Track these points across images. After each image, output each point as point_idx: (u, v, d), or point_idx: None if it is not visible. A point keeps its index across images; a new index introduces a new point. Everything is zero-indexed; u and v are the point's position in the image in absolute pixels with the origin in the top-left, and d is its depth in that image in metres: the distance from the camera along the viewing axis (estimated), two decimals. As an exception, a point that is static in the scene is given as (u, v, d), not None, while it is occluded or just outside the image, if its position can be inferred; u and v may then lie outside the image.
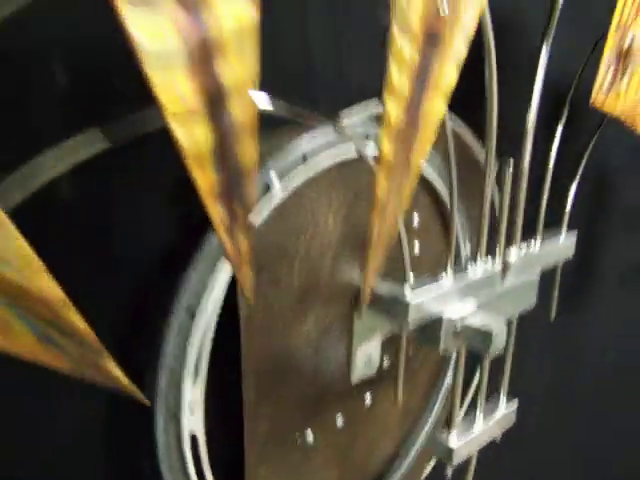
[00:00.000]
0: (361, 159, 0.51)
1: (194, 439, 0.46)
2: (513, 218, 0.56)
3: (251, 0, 0.29)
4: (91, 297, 0.33)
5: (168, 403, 0.44)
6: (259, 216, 0.45)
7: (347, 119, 0.50)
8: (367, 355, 0.58)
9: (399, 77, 0.37)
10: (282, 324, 0.50)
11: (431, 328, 0.52)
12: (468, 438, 0.58)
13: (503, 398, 0.63)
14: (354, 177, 0.52)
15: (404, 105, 0.38)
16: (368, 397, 0.60)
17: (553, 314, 0.68)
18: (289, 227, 0.49)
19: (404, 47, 0.37)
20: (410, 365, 0.63)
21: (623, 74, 0.59)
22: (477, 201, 0.55)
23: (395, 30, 0.36)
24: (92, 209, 0.42)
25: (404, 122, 0.39)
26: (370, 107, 0.51)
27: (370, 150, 0.50)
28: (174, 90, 0.28)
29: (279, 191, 0.46)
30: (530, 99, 0.56)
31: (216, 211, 0.31)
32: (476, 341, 0.51)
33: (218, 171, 0.31)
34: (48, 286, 0.26)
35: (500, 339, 0.51)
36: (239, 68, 0.30)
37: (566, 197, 0.65)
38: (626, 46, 0.58)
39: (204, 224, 0.43)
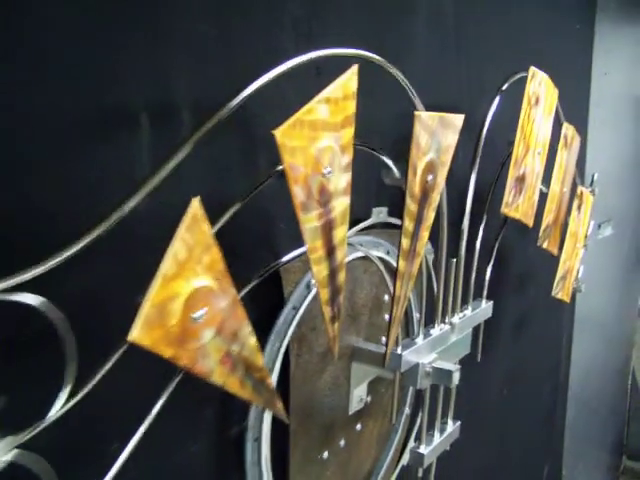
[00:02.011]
0: (352, 262, 0.76)
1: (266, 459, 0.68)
2: (456, 293, 0.83)
3: (348, 195, 0.54)
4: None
5: (255, 434, 0.66)
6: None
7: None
8: (360, 394, 0.82)
9: (409, 223, 0.63)
10: (312, 377, 0.74)
11: (411, 372, 0.77)
12: (432, 447, 0.83)
13: (450, 421, 0.89)
14: (352, 274, 0.77)
15: (411, 238, 0.64)
16: (359, 424, 0.84)
17: (479, 357, 0.95)
18: (316, 312, 0.72)
19: (411, 205, 0.63)
20: (384, 399, 0.88)
21: (520, 193, 0.87)
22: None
23: (407, 198, 0.62)
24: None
25: (410, 248, 0.64)
26: (356, 228, 0.77)
27: (374, 255, 0.75)
28: (316, 247, 0.52)
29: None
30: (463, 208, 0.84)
31: (327, 311, 0.55)
32: (441, 379, 0.77)
33: (329, 288, 0.55)
34: (260, 358, 0.49)
35: (456, 376, 0.76)
36: (342, 231, 0.54)
37: (484, 275, 0.93)
38: (521, 174, 0.87)
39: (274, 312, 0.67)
